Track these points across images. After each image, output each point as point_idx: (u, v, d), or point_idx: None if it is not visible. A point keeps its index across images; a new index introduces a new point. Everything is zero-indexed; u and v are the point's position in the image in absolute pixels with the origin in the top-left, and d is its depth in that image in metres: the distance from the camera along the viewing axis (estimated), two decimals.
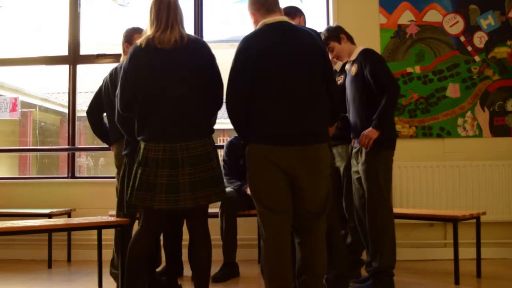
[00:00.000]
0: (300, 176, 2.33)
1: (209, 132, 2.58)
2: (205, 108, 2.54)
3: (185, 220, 3.68)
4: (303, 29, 2.53)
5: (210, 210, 3.78)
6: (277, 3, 2.51)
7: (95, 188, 4.49)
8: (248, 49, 2.37)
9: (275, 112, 2.32)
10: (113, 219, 3.31)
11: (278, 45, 2.36)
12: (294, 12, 3.12)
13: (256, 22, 2.51)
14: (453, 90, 4.40)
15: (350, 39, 3.31)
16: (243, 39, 2.43)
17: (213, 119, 2.74)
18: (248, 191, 3.71)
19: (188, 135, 2.46)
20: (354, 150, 3.25)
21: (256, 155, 2.36)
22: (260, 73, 2.34)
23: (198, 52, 2.52)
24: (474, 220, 3.60)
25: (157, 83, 2.47)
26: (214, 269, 3.64)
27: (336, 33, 3.27)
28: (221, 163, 4.05)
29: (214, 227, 3.79)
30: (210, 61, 2.56)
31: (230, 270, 3.64)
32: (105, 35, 7.73)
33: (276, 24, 2.43)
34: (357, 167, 3.21)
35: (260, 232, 2.43)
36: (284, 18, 2.49)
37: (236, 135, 4.05)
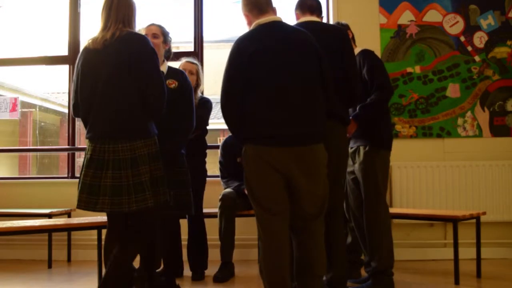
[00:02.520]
0: (296, 177, 2.33)
1: (141, 134, 2.43)
2: (136, 108, 2.42)
3: (185, 221, 3.71)
4: (297, 28, 2.53)
5: (209, 210, 3.81)
6: (269, 3, 2.51)
7: None
8: (241, 50, 2.37)
9: (269, 113, 2.31)
10: None
11: (272, 46, 2.36)
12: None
13: (249, 24, 2.51)
14: (453, 90, 4.40)
15: (353, 39, 3.36)
16: (237, 40, 2.43)
17: (150, 120, 2.51)
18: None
19: (116, 136, 2.40)
20: (350, 150, 3.25)
21: (252, 156, 2.36)
22: (254, 73, 2.33)
23: (127, 50, 2.42)
24: (474, 220, 3.60)
25: (89, 83, 2.46)
26: (213, 268, 3.65)
27: (344, 27, 3.31)
28: (218, 165, 4.05)
29: (213, 227, 3.80)
30: (139, 58, 2.42)
31: (228, 270, 3.63)
32: None
33: (270, 24, 2.43)
34: (353, 167, 3.21)
35: (258, 233, 2.43)
36: (278, 18, 2.49)
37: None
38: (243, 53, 2.35)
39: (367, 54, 3.18)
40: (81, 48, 2.58)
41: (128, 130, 2.41)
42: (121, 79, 2.41)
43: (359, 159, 3.14)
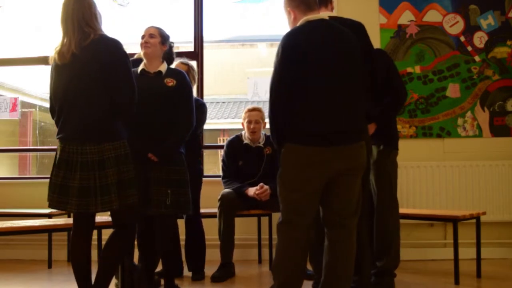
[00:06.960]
0: (337, 176, 2.32)
1: (109, 138, 2.48)
2: (105, 113, 2.47)
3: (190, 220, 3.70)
4: (343, 28, 2.50)
5: (209, 210, 3.81)
6: (316, 1, 2.50)
7: None
8: (292, 46, 2.33)
9: (318, 112, 2.30)
10: None
11: (321, 43, 2.34)
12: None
13: (295, 19, 2.46)
14: (453, 90, 4.40)
15: None
16: (287, 35, 2.37)
17: (119, 123, 2.56)
18: (249, 193, 3.73)
19: (84, 138, 2.45)
20: None
21: (293, 156, 2.32)
22: (302, 72, 2.31)
23: (97, 58, 2.45)
24: (474, 220, 3.60)
25: (60, 92, 2.51)
26: (213, 269, 3.65)
27: None
28: (220, 163, 4.05)
29: (213, 227, 3.79)
30: (110, 66, 2.46)
31: (227, 270, 3.63)
32: None
33: (319, 22, 2.41)
34: None
35: (277, 231, 2.37)
36: (325, 16, 2.49)
37: (236, 134, 4.06)
38: (293, 49, 2.32)
39: (381, 54, 3.23)
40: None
41: (96, 134, 2.46)
42: (91, 88, 2.45)
43: (371, 159, 3.12)
